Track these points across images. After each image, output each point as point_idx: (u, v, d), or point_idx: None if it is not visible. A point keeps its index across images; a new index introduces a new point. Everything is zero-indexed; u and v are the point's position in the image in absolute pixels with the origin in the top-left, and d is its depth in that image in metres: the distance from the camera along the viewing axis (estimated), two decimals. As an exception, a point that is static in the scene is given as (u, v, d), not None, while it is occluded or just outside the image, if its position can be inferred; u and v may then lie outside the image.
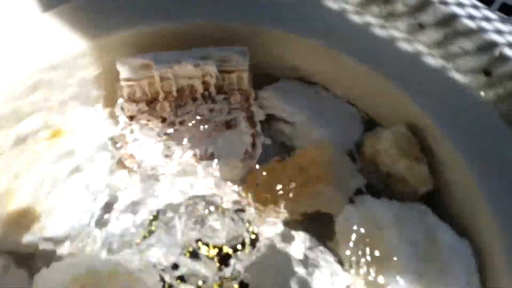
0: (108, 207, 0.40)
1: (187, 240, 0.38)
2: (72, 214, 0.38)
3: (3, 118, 0.41)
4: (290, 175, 0.42)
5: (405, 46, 0.46)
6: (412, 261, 0.37)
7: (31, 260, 0.38)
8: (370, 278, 0.38)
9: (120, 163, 0.43)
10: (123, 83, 0.44)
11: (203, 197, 0.41)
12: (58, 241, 0.38)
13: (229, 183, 0.42)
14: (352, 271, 0.38)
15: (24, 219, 0.38)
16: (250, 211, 0.41)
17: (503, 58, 0.43)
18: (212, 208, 0.40)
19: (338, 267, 0.38)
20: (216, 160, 0.42)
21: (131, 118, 0.45)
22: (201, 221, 0.39)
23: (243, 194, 0.42)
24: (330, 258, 0.39)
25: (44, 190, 0.39)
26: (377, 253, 0.38)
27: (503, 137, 0.42)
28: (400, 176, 0.42)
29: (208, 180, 0.42)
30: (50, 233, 0.38)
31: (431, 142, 0.43)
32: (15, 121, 0.42)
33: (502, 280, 0.37)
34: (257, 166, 0.43)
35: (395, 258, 0.37)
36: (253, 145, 0.44)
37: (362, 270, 0.38)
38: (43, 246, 0.37)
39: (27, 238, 0.37)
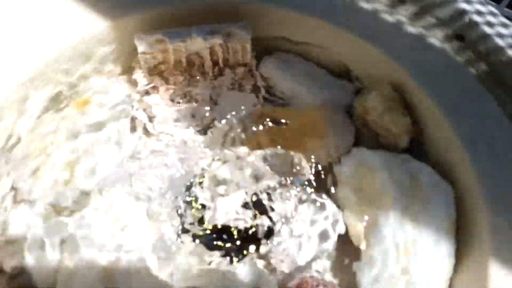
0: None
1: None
2: (103, 166, 0.44)
3: (38, 85, 0.46)
4: (293, 129, 0.48)
5: (388, 17, 0.52)
6: (399, 198, 0.43)
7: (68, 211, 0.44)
8: (365, 214, 0.44)
9: (138, 125, 0.49)
10: (140, 56, 0.49)
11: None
12: (90, 192, 0.44)
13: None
14: (348, 210, 0.45)
15: (63, 174, 0.43)
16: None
17: (472, 24, 0.50)
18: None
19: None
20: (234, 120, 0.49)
21: (147, 87, 0.50)
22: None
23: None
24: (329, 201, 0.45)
25: (78, 147, 0.44)
26: (369, 193, 0.44)
27: (476, 92, 0.48)
28: (386, 128, 0.48)
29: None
30: (86, 185, 0.43)
31: (413, 99, 0.49)
32: (47, 88, 0.48)
33: (477, 218, 0.43)
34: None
35: (384, 196, 0.43)
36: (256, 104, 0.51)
37: (357, 208, 0.44)
38: (80, 197, 0.43)
39: (67, 191, 0.42)
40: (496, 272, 0.39)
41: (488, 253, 0.40)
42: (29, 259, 0.39)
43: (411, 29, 0.52)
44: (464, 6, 0.50)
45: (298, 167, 0.46)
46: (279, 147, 0.47)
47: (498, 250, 0.40)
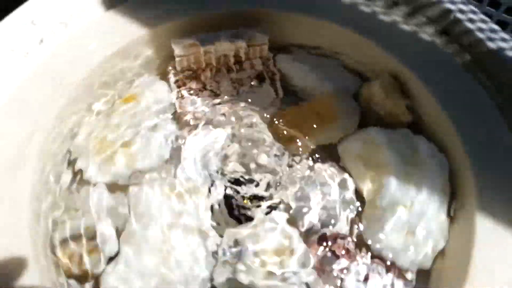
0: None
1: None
2: (154, 152, 0.52)
3: (97, 88, 0.55)
4: (306, 116, 0.56)
5: (385, 18, 0.60)
6: (400, 166, 0.51)
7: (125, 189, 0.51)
8: (371, 181, 0.52)
9: (178, 118, 0.57)
10: (176, 58, 0.57)
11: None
12: (145, 172, 0.52)
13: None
14: (359, 176, 0.53)
15: (121, 157, 0.51)
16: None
17: (456, 21, 0.57)
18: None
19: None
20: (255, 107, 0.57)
21: (183, 84, 0.58)
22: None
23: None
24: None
25: (130, 135, 0.52)
26: (376, 162, 0.52)
27: (462, 78, 0.55)
28: (389, 111, 0.56)
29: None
30: (140, 166, 0.51)
31: (408, 85, 0.56)
32: (103, 90, 0.56)
33: (465, 181, 0.50)
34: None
35: (389, 165, 0.51)
36: (278, 95, 0.59)
37: (367, 174, 0.52)
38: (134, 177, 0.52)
39: (124, 170, 0.51)
40: (481, 223, 0.46)
41: (474, 208, 0.47)
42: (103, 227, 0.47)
43: (405, 27, 0.60)
44: (449, 6, 0.58)
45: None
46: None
47: (482, 206, 0.47)
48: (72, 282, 0.45)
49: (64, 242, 0.46)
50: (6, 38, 0.53)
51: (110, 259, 0.46)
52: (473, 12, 0.58)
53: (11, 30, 0.53)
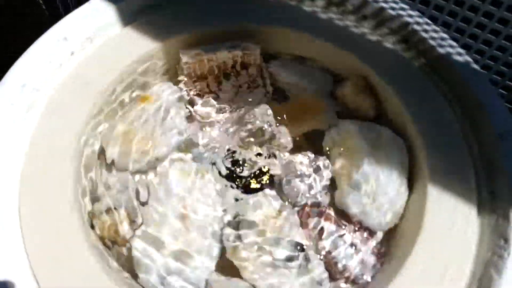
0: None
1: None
2: (169, 142, 0.63)
3: (119, 91, 0.65)
4: (295, 111, 0.68)
5: (355, 29, 0.70)
6: (368, 149, 0.62)
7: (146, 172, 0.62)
8: (345, 161, 0.63)
9: (187, 115, 0.68)
10: (183, 66, 0.67)
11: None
12: (162, 159, 0.63)
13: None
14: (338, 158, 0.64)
15: (142, 147, 0.62)
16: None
17: (413, 31, 0.68)
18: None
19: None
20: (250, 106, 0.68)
21: (190, 86, 0.69)
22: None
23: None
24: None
25: (149, 128, 0.63)
26: (350, 148, 0.63)
27: (418, 78, 0.66)
28: (359, 106, 0.67)
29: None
30: (158, 154, 0.61)
31: (375, 84, 0.67)
32: (124, 92, 0.66)
33: (420, 160, 0.61)
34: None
35: (360, 149, 0.62)
36: (268, 95, 0.70)
37: (342, 161, 0.64)
38: (154, 162, 0.63)
39: (145, 157, 0.61)
40: (431, 193, 0.56)
41: (427, 182, 0.57)
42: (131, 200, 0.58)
43: (372, 37, 0.69)
44: (407, 19, 0.68)
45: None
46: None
47: (433, 180, 0.57)
48: (109, 244, 0.55)
49: (99, 215, 0.56)
50: (44, 52, 0.62)
51: (138, 226, 0.56)
52: (427, 24, 0.69)
53: (48, 45, 0.63)
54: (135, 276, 0.53)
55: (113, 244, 0.55)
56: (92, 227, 0.55)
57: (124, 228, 0.55)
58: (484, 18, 0.72)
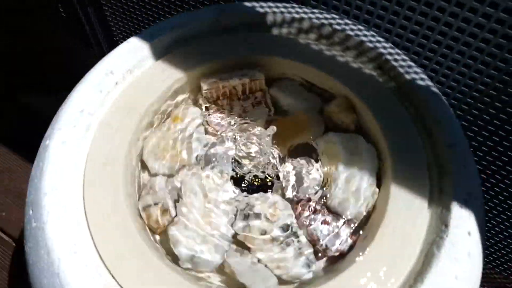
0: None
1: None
2: (193, 152, 0.81)
3: (155, 113, 0.83)
4: (289, 125, 0.85)
5: (340, 58, 0.83)
6: (347, 155, 0.75)
7: (176, 176, 0.81)
8: (330, 165, 0.79)
9: (206, 130, 0.84)
10: (203, 91, 0.81)
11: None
12: (188, 166, 0.82)
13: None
14: (324, 162, 0.82)
15: (174, 156, 0.79)
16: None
17: (386, 60, 0.79)
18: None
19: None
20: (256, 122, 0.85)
21: (209, 108, 0.85)
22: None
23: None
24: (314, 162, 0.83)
25: (178, 142, 0.81)
26: (333, 154, 0.76)
27: (390, 99, 0.79)
28: (342, 121, 0.80)
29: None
30: (184, 162, 0.78)
31: (355, 103, 0.78)
32: (159, 114, 0.85)
33: (386, 163, 0.73)
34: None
35: (341, 155, 0.75)
36: (271, 113, 0.87)
37: (327, 164, 0.82)
38: (182, 168, 0.81)
39: (175, 165, 0.77)
40: (394, 190, 0.67)
41: (391, 181, 0.67)
42: (167, 199, 0.76)
43: (354, 64, 0.80)
44: (382, 50, 0.80)
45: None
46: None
47: (395, 180, 0.67)
48: (153, 231, 0.74)
49: (144, 208, 0.73)
50: (95, 83, 0.75)
51: (173, 218, 0.70)
52: (398, 54, 0.85)
53: (98, 78, 0.77)
54: (170, 254, 0.68)
55: (155, 231, 0.74)
56: (141, 217, 0.74)
57: (162, 219, 0.74)
58: (446, 50, 0.89)
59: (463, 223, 0.63)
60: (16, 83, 1.60)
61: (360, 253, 0.64)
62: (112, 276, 0.59)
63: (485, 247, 0.65)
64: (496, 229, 1.24)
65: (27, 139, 1.38)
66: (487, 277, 1.38)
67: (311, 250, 0.69)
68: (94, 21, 1.46)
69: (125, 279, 0.58)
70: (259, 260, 0.67)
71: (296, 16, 0.85)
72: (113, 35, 1.50)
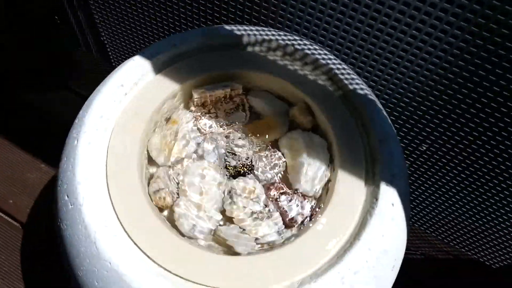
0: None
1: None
2: (188, 148, 1.04)
3: (157, 117, 1.05)
4: (263, 125, 1.06)
5: (300, 71, 1.04)
6: (306, 148, 0.87)
7: (175, 166, 1.04)
8: (292, 156, 0.98)
9: (197, 129, 1.02)
10: (194, 99, 0.92)
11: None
12: (184, 158, 1.04)
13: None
14: (288, 156, 1.06)
15: (174, 150, 1.01)
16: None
17: (334, 73, 0.94)
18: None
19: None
20: (236, 123, 1.08)
21: (199, 112, 1.00)
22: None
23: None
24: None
25: (176, 140, 1.01)
26: (296, 149, 0.92)
27: (339, 105, 1.03)
28: (302, 122, 0.95)
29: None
30: (182, 155, 1.03)
31: (312, 107, 0.91)
32: (160, 118, 1.06)
33: (335, 154, 0.92)
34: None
35: (301, 149, 0.92)
36: (247, 116, 1.07)
37: (290, 156, 1.05)
38: (180, 160, 1.03)
39: (174, 157, 0.99)
40: (340, 174, 0.83)
41: (338, 167, 0.82)
42: (171, 183, 0.99)
43: (311, 76, 0.92)
44: (331, 66, 0.93)
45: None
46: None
47: (341, 166, 0.82)
48: (160, 210, 0.97)
49: (154, 192, 0.91)
50: (110, 93, 0.89)
51: (176, 198, 0.86)
52: (344, 69, 1.06)
53: (112, 89, 0.92)
54: (174, 227, 0.83)
55: (162, 209, 0.91)
56: (151, 199, 0.96)
57: (168, 199, 0.95)
58: (382, 66, 1.14)
59: (388, 197, 0.77)
60: (18, 82, 1.68)
61: (316, 222, 0.81)
62: (134, 242, 0.74)
63: (408, 214, 0.80)
64: (425, 199, 1.53)
65: (28, 133, 1.56)
66: (422, 238, 1.69)
67: (281, 221, 0.87)
68: (84, 25, 1.64)
69: (142, 242, 0.74)
70: (243, 230, 0.87)
71: (266, 37, 0.97)
72: (101, 39, 1.68)
